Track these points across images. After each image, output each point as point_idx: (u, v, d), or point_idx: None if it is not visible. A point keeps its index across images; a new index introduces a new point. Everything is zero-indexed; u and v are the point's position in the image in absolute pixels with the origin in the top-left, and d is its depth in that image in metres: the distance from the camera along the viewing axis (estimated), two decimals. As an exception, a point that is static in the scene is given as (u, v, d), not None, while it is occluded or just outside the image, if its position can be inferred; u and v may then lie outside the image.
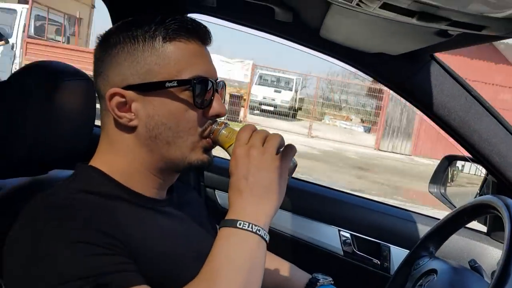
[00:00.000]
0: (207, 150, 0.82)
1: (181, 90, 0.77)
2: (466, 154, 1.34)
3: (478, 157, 1.24)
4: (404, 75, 1.17)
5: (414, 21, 0.54)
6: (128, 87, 0.77)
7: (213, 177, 1.61)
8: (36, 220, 0.69)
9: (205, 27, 0.81)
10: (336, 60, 1.24)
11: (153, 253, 0.74)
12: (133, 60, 0.77)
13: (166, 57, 0.77)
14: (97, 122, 1.09)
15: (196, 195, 1.07)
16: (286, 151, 0.75)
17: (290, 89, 17.10)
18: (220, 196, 1.61)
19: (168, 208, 0.85)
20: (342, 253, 1.48)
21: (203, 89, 0.78)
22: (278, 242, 1.51)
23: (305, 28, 1.15)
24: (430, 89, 1.18)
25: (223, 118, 0.85)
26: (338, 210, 1.52)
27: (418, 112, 1.27)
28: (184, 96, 0.77)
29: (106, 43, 0.80)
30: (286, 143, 0.77)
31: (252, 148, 0.72)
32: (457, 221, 1.08)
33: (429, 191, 1.66)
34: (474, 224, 1.43)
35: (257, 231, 0.69)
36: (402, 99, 1.25)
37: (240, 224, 0.68)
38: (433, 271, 1.02)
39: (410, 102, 1.25)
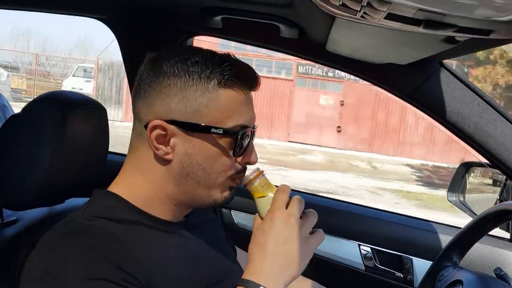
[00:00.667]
0: (232, 188, 0.82)
1: (223, 136, 0.77)
2: (483, 160, 1.32)
3: (495, 162, 1.22)
4: (415, 84, 1.17)
5: (420, 29, 0.54)
6: (172, 122, 0.76)
7: None
8: (52, 250, 0.70)
9: (256, 75, 0.81)
10: (344, 72, 1.24)
11: (171, 280, 0.74)
12: (183, 97, 0.76)
13: (217, 102, 0.76)
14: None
15: (212, 215, 1.07)
16: (319, 231, 0.77)
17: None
18: (236, 216, 1.59)
19: (185, 231, 0.85)
20: (363, 268, 1.45)
21: (242, 138, 0.78)
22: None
23: (311, 43, 1.15)
24: (442, 96, 1.16)
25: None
26: (356, 224, 1.50)
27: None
28: (224, 142, 0.78)
29: (159, 68, 0.78)
30: None
31: (292, 217, 0.73)
32: (479, 228, 1.06)
33: (448, 200, 1.63)
34: (497, 231, 1.40)
35: None
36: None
37: None
38: (459, 281, 0.99)
39: (423, 111, 1.24)
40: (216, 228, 0.99)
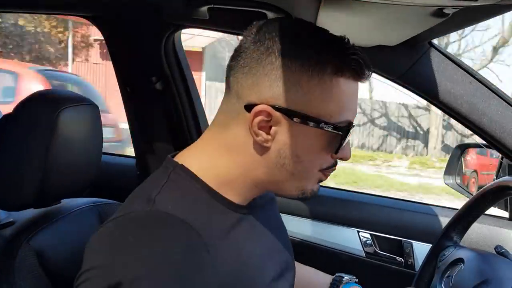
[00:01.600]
0: (321, 181, 0.77)
1: (330, 131, 0.70)
2: (479, 140, 1.32)
3: (490, 141, 1.21)
4: (405, 66, 1.16)
5: (408, -2, 0.53)
6: (279, 109, 0.68)
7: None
8: (136, 226, 0.63)
9: (370, 65, 0.72)
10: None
11: (243, 275, 0.71)
12: (296, 84, 0.68)
13: (331, 93, 0.68)
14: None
15: (272, 194, 0.96)
16: None
17: None
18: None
19: (253, 214, 0.79)
20: (364, 254, 1.45)
21: (346, 134, 0.72)
22: (297, 250, 1.48)
23: (299, 29, 1.14)
24: (434, 77, 1.16)
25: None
26: (355, 211, 1.50)
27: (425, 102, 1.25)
28: (329, 137, 0.71)
29: (270, 44, 0.68)
30: None
31: None
32: (478, 206, 1.06)
33: (445, 183, 1.63)
34: (496, 211, 1.40)
35: None
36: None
37: None
38: (460, 260, 0.99)
39: (415, 93, 1.24)
40: (275, 206, 0.93)
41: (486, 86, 1.17)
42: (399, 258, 1.42)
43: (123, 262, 0.60)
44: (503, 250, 1.03)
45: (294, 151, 0.71)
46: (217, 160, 0.74)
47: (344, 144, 0.72)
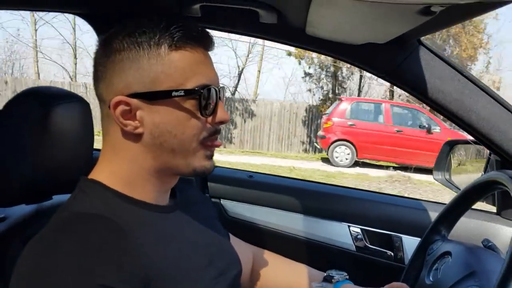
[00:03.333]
0: (209, 157, 0.82)
1: (187, 98, 0.77)
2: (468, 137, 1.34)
3: (478, 137, 1.23)
4: (394, 63, 1.18)
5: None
6: (133, 95, 0.76)
7: (217, 187, 1.61)
8: (44, 247, 0.68)
9: (208, 33, 0.81)
10: (324, 55, 1.24)
11: (166, 266, 0.74)
12: (138, 68, 0.76)
13: (172, 65, 0.76)
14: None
15: (202, 196, 1.06)
16: None
17: None
18: (226, 205, 1.60)
19: (173, 213, 0.84)
20: (354, 248, 1.46)
21: (208, 97, 0.78)
22: (289, 245, 1.50)
23: (290, 27, 1.15)
24: (422, 74, 1.18)
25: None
26: (345, 206, 1.51)
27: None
28: (189, 104, 0.77)
29: (109, 47, 0.78)
30: None
31: None
32: (465, 201, 1.08)
33: (434, 179, 1.66)
34: (483, 206, 1.43)
35: None
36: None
37: None
38: (447, 253, 1.01)
39: (405, 90, 1.26)
40: (207, 208, 0.99)
41: (474, 83, 1.19)
42: (389, 252, 1.44)
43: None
44: (490, 244, 1.05)
45: (164, 127, 0.77)
46: (114, 165, 0.81)
47: (211, 106, 0.79)
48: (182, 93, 0.76)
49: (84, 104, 1.01)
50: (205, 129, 0.80)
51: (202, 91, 0.77)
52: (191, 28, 0.79)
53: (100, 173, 0.81)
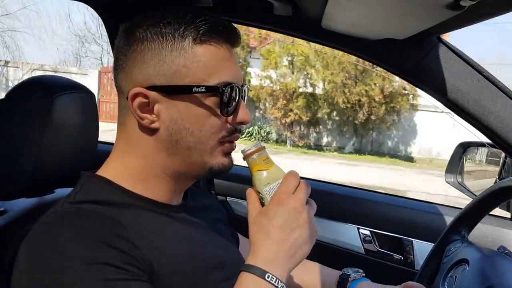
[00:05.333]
0: (227, 154, 0.78)
1: (208, 95, 0.73)
2: (483, 138, 1.30)
3: (496, 139, 1.19)
4: (412, 61, 1.13)
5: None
6: (152, 88, 0.73)
7: (223, 184, 1.58)
8: (44, 237, 0.66)
9: (235, 28, 0.77)
10: (339, 50, 1.20)
11: (170, 262, 0.71)
12: (160, 60, 0.73)
13: (195, 60, 0.73)
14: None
15: (214, 201, 1.03)
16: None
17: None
18: (232, 203, 1.57)
19: (183, 214, 0.81)
20: (363, 251, 1.43)
21: (229, 95, 0.74)
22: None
23: (305, 20, 1.11)
24: (441, 73, 1.13)
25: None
26: (355, 207, 1.48)
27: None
28: (210, 102, 0.74)
29: (131, 36, 0.75)
30: None
31: (299, 204, 0.70)
32: (487, 203, 1.05)
33: (446, 181, 1.62)
34: (497, 211, 1.39)
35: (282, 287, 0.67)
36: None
37: (268, 277, 0.66)
38: (464, 260, 0.97)
39: (421, 89, 1.21)
40: (217, 213, 0.96)
41: (494, 84, 1.15)
42: (398, 256, 1.41)
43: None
44: (506, 251, 1.01)
45: (181, 123, 0.74)
46: (126, 159, 0.78)
47: (235, 106, 0.76)
48: (203, 90, 0.72)
49: (89, 95, 0.98)
50: (224, 129, 0.76)
51: (224, 89, 0.73)
52: (218, 22, 0.75)
53: (110, 168, 0.78)
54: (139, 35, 0.74)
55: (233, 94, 0.75)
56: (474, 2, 0.70)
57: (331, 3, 0.86)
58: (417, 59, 1.12)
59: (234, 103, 0.76)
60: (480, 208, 1.05)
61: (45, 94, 0.90)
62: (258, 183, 0.73)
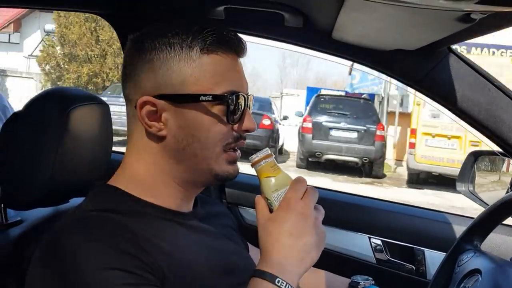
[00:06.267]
0: (232, 162, 0.80)
1: (214, 104, 0.75)
2: (494, 147, 1.30)
3: (508, 149, 1.19)
4: (423, 71, 1.14)
5: (441, 2, 0.51)
6: (160, 96, 0.75)
7: (234, 193, 1.58)
8: (57, 244, 0.68)
9: (241, 39, 0.79)
10: (350, 61, 1.21)
11: (181, 268, 0.72)
12: (168, 69, 0.75)
13: (202, 69, 0.75)
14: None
15: (223, 208, 1.04)
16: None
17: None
18: (243, 212, 1.57)
19: (193, 221, 0.82)
20: (374, 261, 1.42)
21: (235, 104, 0.76)
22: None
23: (316, 31, 1.12)
24: (452, 83, 1.14)
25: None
26: (366, 217, 1.48)
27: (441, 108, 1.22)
28: (216, 110, 0.76)
29: (140, 46, 0.77)
30: None
31: (307, 209, 0.71)
32: (500, 213, 1.04)
33: (458, 190, 1.61)
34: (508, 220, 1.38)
35: None
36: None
37: (278, 282, 0.67)
38: (477, 271, 0.97)
39: (432, 99, 1.21)
40: (227, 219, 0.97)
41: (506, 94, 1.15)
42: (410, 266, 1.40)
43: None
44: (520, 261, 1.01)
45: (188, 131, 0.76)
46: (136, 168, 0.79)
47: (241, 114, 0.77)
48: (210, 98, 0.74)
49: (103, 106, 1.00)
50: (230, 136, 0.78)
51: (230, 97, 0.75)
52: (224, 33, 0.77)
53: (121, 178, 0.80)
54: (148, 46, 0.76)
55: (239, 103, 0.77)
56: (485, 15, 0.71)
57: (342, 15, 0.87)
58: (428, 70, 1.13)
59: (240, 111, 0.77)
60: (492, 217, 1.04)
61: (61, 106, 0.92)
62: (266, 189, 0.74)
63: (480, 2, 0.51)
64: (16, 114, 0.95)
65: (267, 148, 0.77)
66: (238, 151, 0.81)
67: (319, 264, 1.42)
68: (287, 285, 0.67)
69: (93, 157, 0.98)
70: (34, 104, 0.94)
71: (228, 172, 0.79)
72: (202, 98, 0.74)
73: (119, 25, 1.33)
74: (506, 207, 1.01)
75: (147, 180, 0.79)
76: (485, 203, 1.52)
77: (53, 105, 0.93)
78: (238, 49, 0.79)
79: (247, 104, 0.79)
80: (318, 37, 1.15)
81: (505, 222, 1.29)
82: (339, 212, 1.48)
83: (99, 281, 0.63)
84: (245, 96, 0.78)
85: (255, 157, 0.75)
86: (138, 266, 0.66)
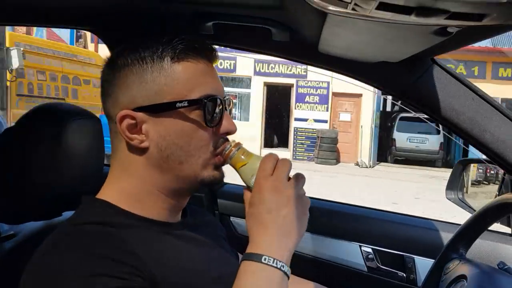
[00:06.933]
0: (218, 167, 0.82)
1: (191, 109, 0.77)
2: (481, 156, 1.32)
3: (493, 156, 1.21)
4: (408, 82, 1.17)
5: (412, 18, 0.54)
6: (138, 109, 0.77)
7: (227, 204, 1.60)
8: (48, 257, 0.69)
9: (211, 45, 0.82)
10: (337, 73, 1.24)
11: (171, 277, 0.73)
12: (142, 81, 0.77)
13: (175, 77, 0.77)
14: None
15: (212, 218, 1.06)
16: (303, 183, 0.75)
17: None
18: (235, 223, 1.58)
19: (183, 231, 0.84)
20: (366, 269, 1.44)
21: (212, 107, 0.78)
22: (300, 264, 1.47)
23: (303, 45, 1.15)
24: (436, 93, 1.16)
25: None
26: (356, 225, 1.49)
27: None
28: (194, 115, 0.77)
29: (114, 65, 0.80)
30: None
31: (278, 182, 0.72)
32: (484, 220, 1.06)
33: (447, 198, 1.63)
34: (498, 226, 1.40)
35: (281, 267, 0.69)
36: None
37: (265, 260, 0.68)
38: (463, 276, 0.99)
39: (418, 108, 1.24)
40: (216, 229, 0.98)
41: (488, 102, 1.18)
42: (400, 273, 1.41)
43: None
44: (506, 267, 1.03)
45: (170, 139, 0.77)
46: (122, 182, 0.81)
47: (220, 117, 0.79)
48: (186, 104, 0.77)
49: (95, 121, 1.01)
50: (212, 140, 0.80)
51: (205, 100, 0.77)
52: (193, 40, 0.80)
53: (108, 192, 0.82)
54: (121, 62, 0.79)
55: (216, 106, 0.79)
56: (461, 29, 0.73)
57: (325, 30, 0.90)
58: (412, 80, 1.16)
59: (217, 114, 0.79)
60: (476, 226, 1.06)
61: (54, 121, 0.94)
62: (244, 177, 0.77)
63: (450, 17, 0.54)
64: (9, 129, 0.97)
65: (234, 139, 0.80)
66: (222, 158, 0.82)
67: (310, 273, 1.44)
68: (275, 260, 0.68)
69: (86, 171, 1.00)
70: (27, 119, 0.96)
71: (213, 177, 0.81)
72: (178, 105, 0.76)
73: (111, 41, 1.36)
74: (488, 215, 1.03)
75: (134, 193, 0.80)
76: (474, 210, 1.54)
77: (46, 120, 0.95)
78: (208, 54, 0.81)
79: (225, 107, 0.81)
80: (305, 50, 1.18)
81: (493, 228, 1.32)
82: (330, 221, 1.50)
83: (86, 286, 0.64)
84: (222, 99, 0.80)
85: (225, 150, 0.78)
86: (127, 271, 0.67)
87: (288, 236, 0.71)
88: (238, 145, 0.78)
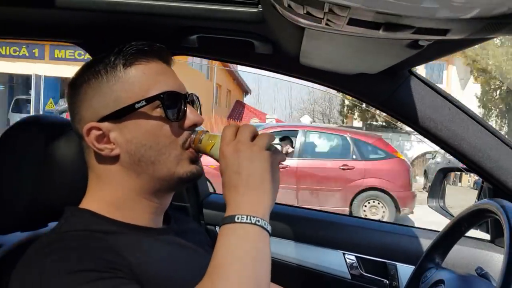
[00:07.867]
0: (194, 161, 0.83)
1: (152, 108, 0.79)
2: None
3: (470, 165, 1.25)
4: (386, 93, 1.20)
5: (381, 33, 0.57)
6: (101, 119, 0.79)
7: (212, 214, 1.61)
8: (32, 263, 0.70)
9: (161, 46, 0.84)
10: (319, 85, 1.27)
11: (155, 280, 0.74)
12: (101, 94, 0.80)
13: (130, 81, 0.80)
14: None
15: (196, 225, 1.07)
16: (269, 140, 0.75)
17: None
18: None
19: (167, 236, 0.85)
20: (349, 276, 1.46)
21: (173, 102, 0.80)
22: (283, 273, 1.49)
23: (285, 57, 1.18)
24: (413, 103, 1.20)
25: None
26: (340, 233, 1.51)
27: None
28: (156, 113, 0.79)
29: (74, 86, 0.83)
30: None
31: (240, 143, 0.73)
32: (458, 229, 1.09)
33: (428, 206, 1.67)
34: (478, 234, 1.43)
35: (256, 222, 0.68)
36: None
37: (238, 218, 0.68)
38: (441, 281, 1.01)
39: (396, 118, 1.28)
40: (200, 236, 1.00)
41: (465, 112, 1.22)
42: (384, 280, 1.44)
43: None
44: (483, 272, 1.05)
45: (137, 142, 0.79)
46: (101, 192, 0.83)
47: (177, 111, 0.80)
48: (144, 103, 0.78)
49: None
50: (179, 135, 0.81)
51: (162, 96, 0.79)
52: (142, 44, 0.82)
53: (90, 202, 0.83)
54: (78, 82, 0.82)
55: (176, 100, 0.81)
56: (431, 42, 0.77)
57: (305, 43, 0.93)
58: (390, 91, 1.20)
59: (180, 108, 0.81)
60: (452, 233, 1.09)
61: (39, 133, 0.95)
62: (215, 157, 0.78)
63: (416, 32, 0.57)
64: None
65: (202, 129, 0.82)
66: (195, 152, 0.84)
67: (295, 282, 1.45)
68: (248, 217, 0.68)
69: (71, 182, 1.01)
70: (12, 132, 0.97)
71: (191, 172, 0.82)
72: (137, 105, 0.78)
73: (97, 54, 1.38)
74: (463, 223, 1.06)
75: (114, 201, 0.82)
76: (453, 217, 1.58)
77: (32, 132, 0.96)
78: (160, 55, 0.84)
79: (188, 101, 0.83)
80: (287, 62, 1.21)
81: (470, 234, 1.35)
82: (314, 229, 1.52)
83: (71, 282, 0.64)
84: (181, 93, 0.82)
85: (192, 140, 0.80)
86: (113, 267, 0.67)
87: (259, 191, 0.71)
88: (203, 132, 0.80)
